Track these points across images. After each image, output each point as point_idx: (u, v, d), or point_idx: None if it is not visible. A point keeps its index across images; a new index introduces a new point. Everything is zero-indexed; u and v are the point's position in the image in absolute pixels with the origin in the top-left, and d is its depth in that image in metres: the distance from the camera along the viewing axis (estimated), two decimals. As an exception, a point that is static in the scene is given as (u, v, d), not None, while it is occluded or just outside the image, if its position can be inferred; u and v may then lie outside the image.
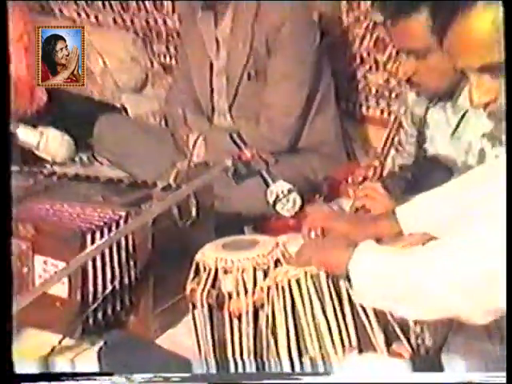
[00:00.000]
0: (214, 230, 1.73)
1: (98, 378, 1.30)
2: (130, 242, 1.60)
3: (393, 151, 1.91)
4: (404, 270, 1.16)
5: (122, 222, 1.61)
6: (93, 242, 1.54)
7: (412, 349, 1.34)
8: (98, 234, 1.56)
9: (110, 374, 1.31)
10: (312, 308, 1.36)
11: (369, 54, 2.44)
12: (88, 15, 2.92)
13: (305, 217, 1.57)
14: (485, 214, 1.19)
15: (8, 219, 1.35)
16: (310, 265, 1.35)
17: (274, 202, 1.62)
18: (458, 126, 1.71)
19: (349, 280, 1.26)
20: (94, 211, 1.63)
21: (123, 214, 1.62)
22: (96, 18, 2.92)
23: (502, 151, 1.55)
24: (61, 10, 2.95)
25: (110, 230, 1.57)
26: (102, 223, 1.58)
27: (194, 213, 1.71)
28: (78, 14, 2.94)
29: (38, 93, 2.61)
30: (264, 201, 1.64)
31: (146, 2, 2.80)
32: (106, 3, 2.85)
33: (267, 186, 1.64)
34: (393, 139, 1.87)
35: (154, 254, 1.62)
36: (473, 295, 1.10)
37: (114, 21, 2.89)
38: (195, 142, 2.23)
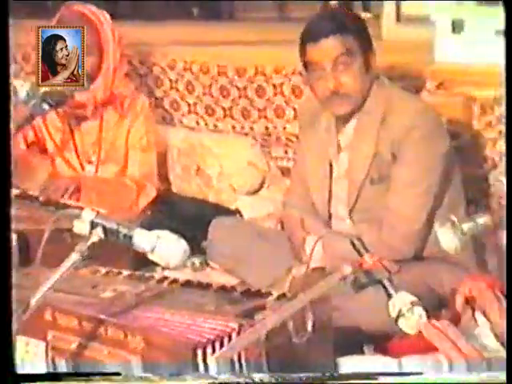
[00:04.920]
0: (331, 347, 1.68)
1: (97, 378, 1.32)
2: (243, 359, 1.57)
3: None
4: None
5: (234, 335, 1.58)
6: (204, 356, 1.52)
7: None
8: (209, 349, 1.53)
9: (115, 374, 1.33)
10: None
11: (501, 158, 2.42)
12: (207, 123, 3.04)
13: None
14: None
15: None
16: None
17: (397, 317, 1.56)
18: None
19: None
20: (205, 322, 1.62)
21: (236, 326, 1.59)
22: (215, 125, 3.04)
23: None
24: (180, 121, 3.10)
25: (222, 345, 1.55)
26: (213, 336, 1.56)
27: (309, 327, 1.67)
28: (197, 123, 3.06)
29: (146, 190, 2.69)
30: (386, 314, 1.59)
31: (267, 110, 2.89)
32: (227, 111, 2.97)
33: (389, 297, 1.59)
34: None
35: (269, 374, 1.58)
36: None
37: (233, 127, 3.01)
38: (313, 246, 2.21)
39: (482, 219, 1.62)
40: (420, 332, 1.57)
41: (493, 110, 2.41)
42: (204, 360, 1.53)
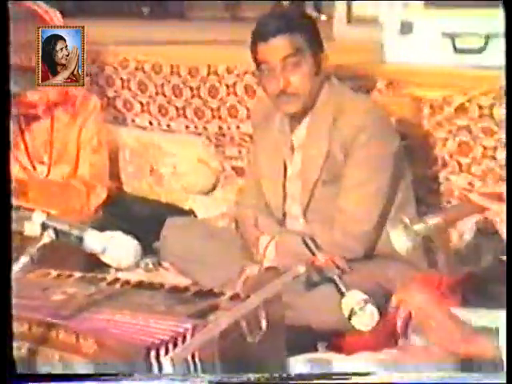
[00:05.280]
0: (284, 346, 1.68)
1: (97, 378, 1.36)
2: (197, 360, 1.55)
3: None
4: None
5: (188, 335, 1.57)
6: (158, 357, 1.51)
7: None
8: (162, 350, 1.52)
9: (113, 375, 1.36)
10: None
11: (451, 157, 2.46)
12: (160, 123, 3.02)
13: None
14: None
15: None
16: None
17: (350, 315, 1.58)
18: None
19: None
20: (157, 323, 1.61)
21: (189, 326, 1.58)
22: (168, 125, 3.03)
23: None
24: (133, 120, 3.07)
25: (175, 345, 1.54)
26: (166, 337, 1.55)
27: (263, 326, 1.67)
28: (150, 123, 3.05)
29: (96, 191, 2.67)
30: (338, 312, 1.60)
31: (221, 110, 2.89)
32: (180, 111, 2.97)
33: (341, 295, 1.60)
34: None
35: (222, 373, 1.58)
36: None
37: (187, 127, 2.99)
38: (266, 246, 2.21)
39: (434, 220, 1.64)
40: (372, 329, 1.59)
41: (442, 110, 2.45)
42: (158, 361, 1.52)
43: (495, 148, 2.36)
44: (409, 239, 1.62)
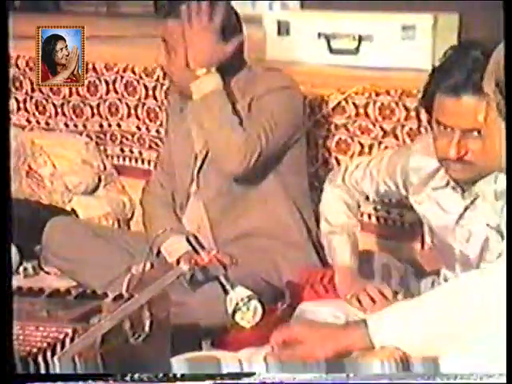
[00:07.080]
0: (169, 345, 1.67)
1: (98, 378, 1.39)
2: (78, 364, 1.52)
3: None
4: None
5: (67, 340, 1.53)
6: (36, 365, 1.46)
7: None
8: (40, 358, 1.48)
9: (112, 375, 1.38)
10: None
11: (330, 155, 2.51)
12: (38, 121, 2.94)
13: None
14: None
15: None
16: None
17: (234, 311, 1.59)
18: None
19: None
20: (36, 330, 1.56)
21: (69, 331, 1.54)
22: (47, 123, 2.96)
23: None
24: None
25: (53, 353, 1.50)
26: (44, 344, 1.50)
27: (147, 327, 1.65)
28: (28, 121, 2.95)
29: None
30: (223, 309, 1.61)
31: (101, 107, 2.84)
32: (59, 109, 2.91)
33: (226, 293, 1.61)
34: None
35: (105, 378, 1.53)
36: None
37: (66, 125, 2.93)
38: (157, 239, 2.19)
39: None
40: (256, 325, 1.61)
41: (320, 109, 2.49)
42: (36, 368, 1.47)
43: (371, 145, 2.43)
44: None
